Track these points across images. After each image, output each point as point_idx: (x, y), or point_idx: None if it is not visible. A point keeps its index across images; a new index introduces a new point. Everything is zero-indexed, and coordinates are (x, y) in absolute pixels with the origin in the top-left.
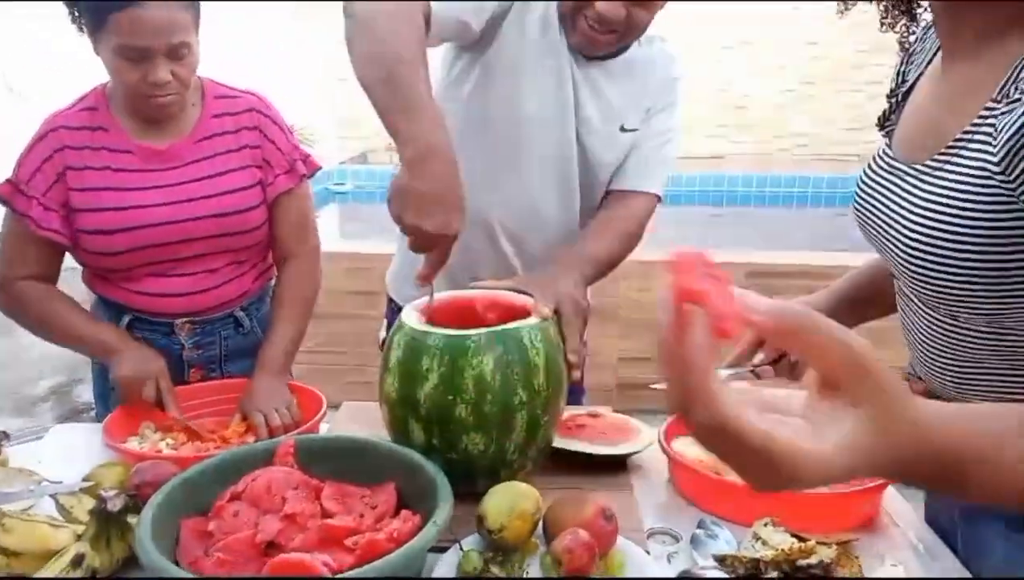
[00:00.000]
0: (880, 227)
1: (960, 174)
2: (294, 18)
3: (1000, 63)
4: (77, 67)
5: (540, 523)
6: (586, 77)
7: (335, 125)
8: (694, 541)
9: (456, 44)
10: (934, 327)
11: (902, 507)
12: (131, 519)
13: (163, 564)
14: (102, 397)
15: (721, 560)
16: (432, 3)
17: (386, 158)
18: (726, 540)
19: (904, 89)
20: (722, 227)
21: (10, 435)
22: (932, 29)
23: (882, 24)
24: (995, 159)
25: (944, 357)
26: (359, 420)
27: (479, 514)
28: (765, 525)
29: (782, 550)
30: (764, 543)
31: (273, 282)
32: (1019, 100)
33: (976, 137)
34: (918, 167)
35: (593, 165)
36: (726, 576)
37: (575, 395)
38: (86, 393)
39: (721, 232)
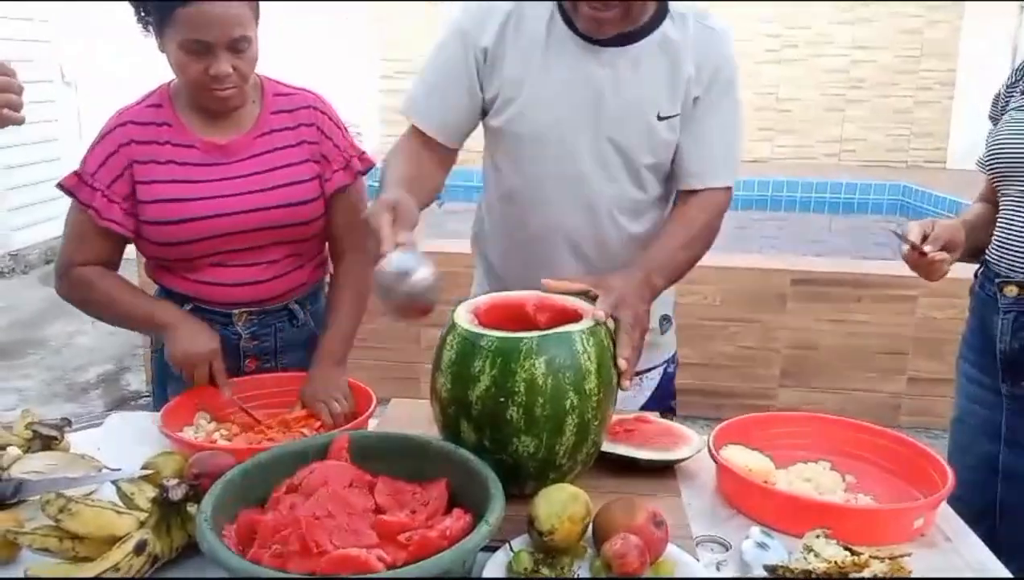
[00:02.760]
0: None
1: None
2: (339, 14)
3: None
4: (130, 61)
5: (590, 526)
6: (605, 65)
7: (380, 123)
8: (744, 550)
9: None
10: None
11: (957, 524)
12: (190, 508)
13: (224, 554)
14: (160, 382)
15: (772, 570)
16: (427, 125)
17: None
18: (776, 550)
19: None
20: (763, 231)
21: (71, 422)
22: None
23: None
24: None
25: None
26: (407, 417)
27: (530, 515)
28: (817, 536)
29: (835, 563)
30: (816, 555)
31: (326, 277)
32: None
33: None
34: None
35: (634, 158)
36: None
37: (667, 404)
38: (134, 381)
39: (763, 236)
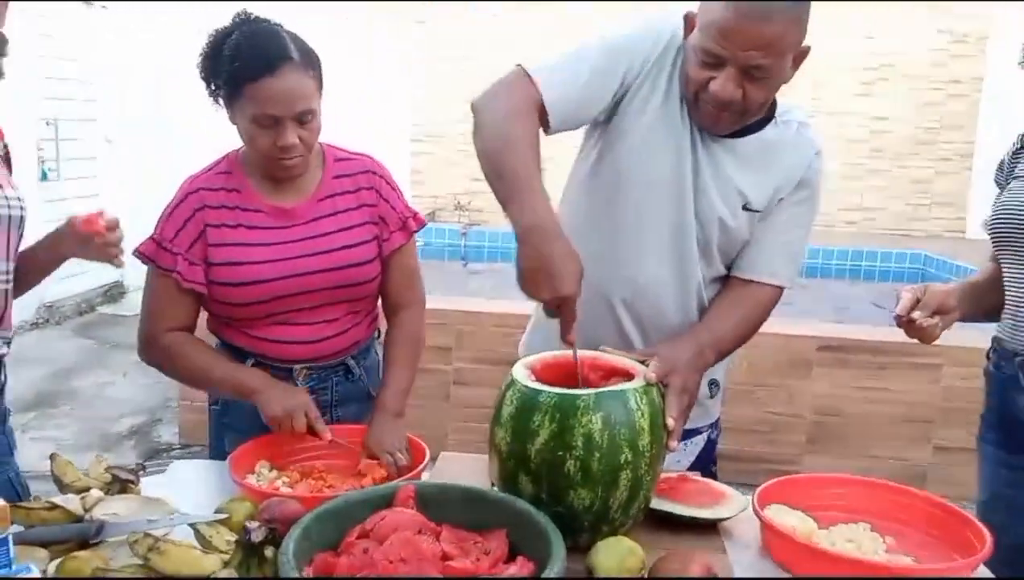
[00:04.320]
0: None
1: None
2: (371, 76)
3: None
4: (168, 119)
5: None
6: (710, 154)
7: (406, 185)
8: None
9: None
10: None
11: None
12: (267, 550)
13: None
14: (217, 434)
15: None
16: (549, 96)
17: (454, 218)
18: None
19: None
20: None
21: (145, 467)
22: None
23: None
24: None
25: None
26: (458, 469)
27: (588, 566)
28: None
29: None
30: None
31: (377, 333)
32: None
33: None
34: None
35: (712, 242)
36: None
37: (709, 469)
38: (166, 433)
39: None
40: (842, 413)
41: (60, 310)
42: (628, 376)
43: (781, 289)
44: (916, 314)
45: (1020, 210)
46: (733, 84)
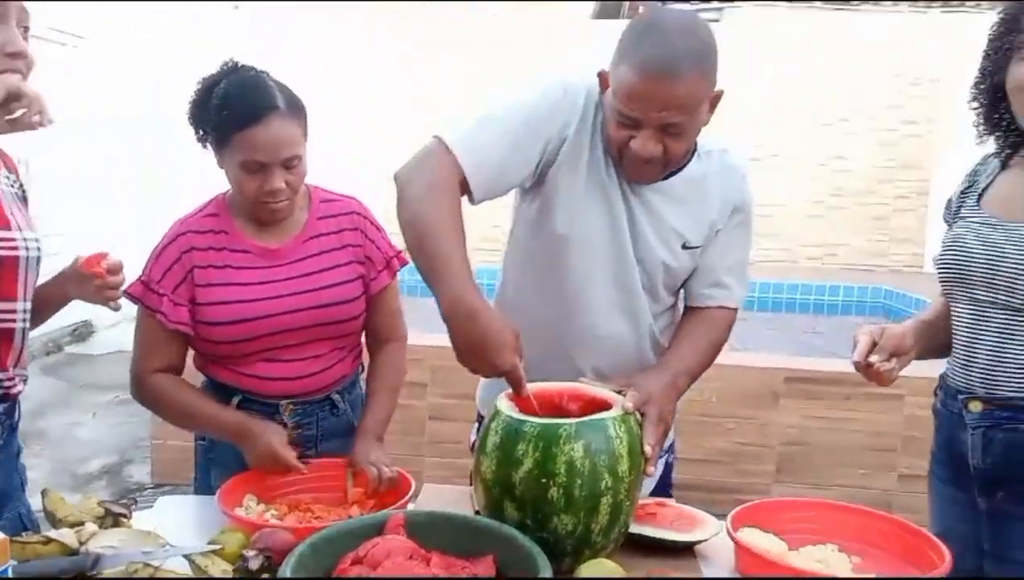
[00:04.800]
0: (991, 266)
1: None
2: (344, 114)
3: None
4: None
5: None
6: (642, 201)
7: (381, 221)
8: None
9: None
10: (1016, 332)
11: None
12: (263, 578)
13: None
14: (204, 469)
15: None
16: (469, 170)
17: None
18: None
19: (980, 188)
20: (752, 331)
21: (137, 501)
22: (987, 158)
23: (979, 137)
24: None
25: (1019, 357)
26: (442, 500)
27: None
28: None
29: None
30: None
31: (361, 368)
32: None
33: None
34: None
35: (658, 284)
36: None
37: (667, 493)
38: (137, 473)
39: (753, 336)
40: (809, 443)
41: (28, 350)
42: (606, 406)
43: (736, 309)
44: (873, 358)
45: (964, 251)
46: (653, 142)
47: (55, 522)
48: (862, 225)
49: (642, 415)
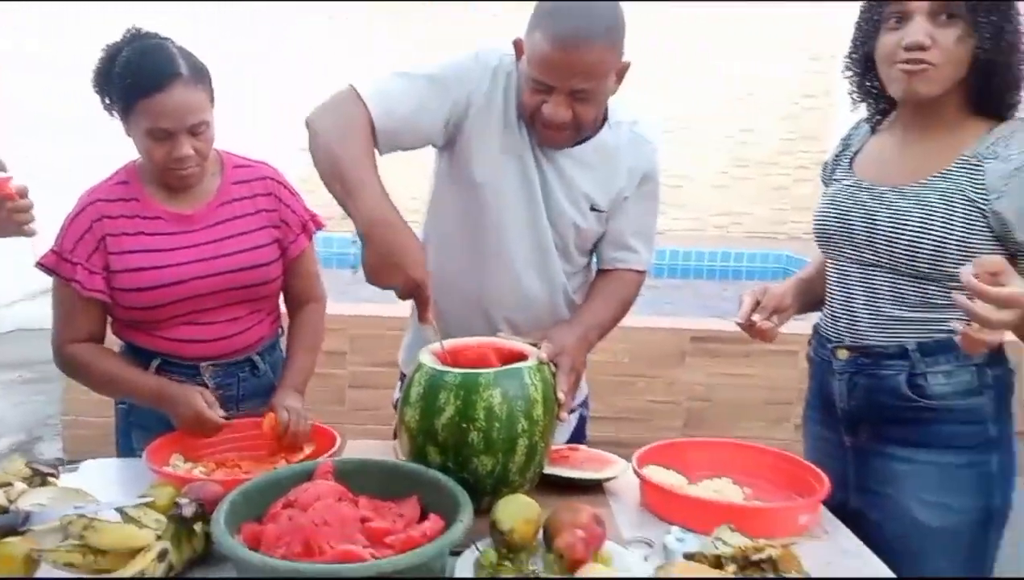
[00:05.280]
0: (860, 226)
1: (943, 191)
2: (258, 88)
3: (957, 132)
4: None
5: (541, 528)
6: (552, 164)
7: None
8: (666, 543)
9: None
10: (882, 288)
11: (834, 522)
12: (196, 526)
13: (243, 552)
14: (125, 433)
15: (690, 557)
16: (379, 121)
17: (343, 226)
18: (692, 543)
19: (852, 152)
20: (664, 296)
21: (64, 461)
22: (859, 123)
23: (852, 104)
24: (981, 188)
25: (880, 311)
26: (365, 454)
27: (492, 519)
28: (725, 530)
29: (738, 547)
30: (724, 543)
31: (281, 330)
32: (997, 156)
33: (956, 172)
34: (902, 188)
35: (569, 243)
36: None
37: (582, 442)
38: (47, 450)
39: (664, 301)
40: (713, 399)
41: None
42: (523, 358)
43: (644, 271)
44: (755, 317)
45: (836, 211)
46: (563, 107)
47: None
48: (765, 195)
49: (555, 365)
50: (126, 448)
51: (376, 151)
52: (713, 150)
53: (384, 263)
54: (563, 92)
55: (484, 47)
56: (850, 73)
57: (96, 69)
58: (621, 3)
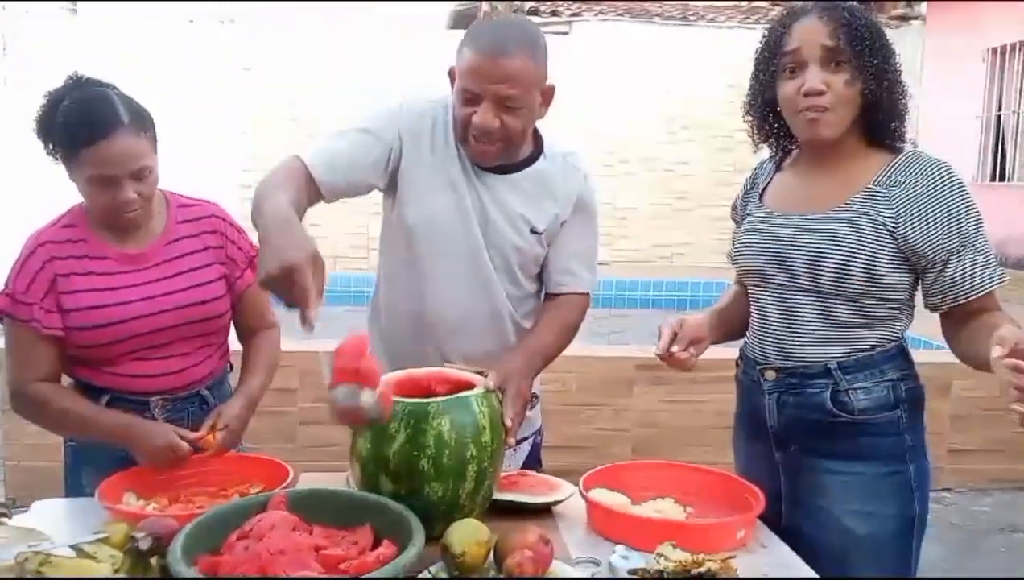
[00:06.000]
0: (777, 253)
1: (853, 218)
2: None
3: (858, 163)
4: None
5: (492, 551)
6: (489, 189)
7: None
8: (612, 562)
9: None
10: (803, 311)
11: (770, 536)
12: (152, 560)
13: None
14: (74, 472)
15: (634, 572)
16: (315, 170)
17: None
18: (636, 561)
19: (760, 188)
20: (610, 326)
21: (16, 501)
22: (763, 163)
23: (755, 145)
24: (890, 214)
25: (804, 332)
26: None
27: (444, 543)
28: (666, 547)
29: (679, 562)
30: (666, 559)
31: (230, 366)
32: (901, 184)
33: (865, 200)
34: (814, 215)
35: (512, 264)
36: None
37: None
38: None
39: (611, 331)
40: (660, 425)
41: None
42: (470, 386)
43: (588, 294)
44: (673, 348)
45: (754, 242)
46: (491, 114)
47: None
48: (705, 226)
49: (502, 392)
50: (75, 487)
51: (322, 198)
52: (654, 183)
53: (266, 255)
54: (491, 100)
55: (410, 96)
56: (751, 118)
57: (38, 116)
58: (560, 36)
